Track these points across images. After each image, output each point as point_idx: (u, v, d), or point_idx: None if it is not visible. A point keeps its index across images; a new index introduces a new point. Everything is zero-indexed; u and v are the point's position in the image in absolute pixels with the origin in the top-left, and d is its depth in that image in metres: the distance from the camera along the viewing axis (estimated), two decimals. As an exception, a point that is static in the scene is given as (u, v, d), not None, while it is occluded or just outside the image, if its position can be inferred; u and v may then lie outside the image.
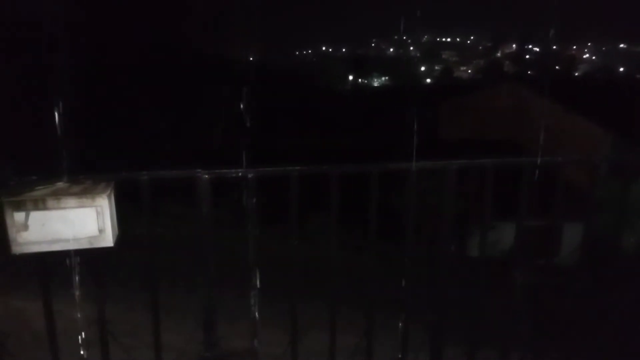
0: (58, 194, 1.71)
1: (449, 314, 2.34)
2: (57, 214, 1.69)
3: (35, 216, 1.68)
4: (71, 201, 1.70)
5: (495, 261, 2.74)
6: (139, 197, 1.94)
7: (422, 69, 68.87)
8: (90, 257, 1.91)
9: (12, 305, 3.90)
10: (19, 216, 1.66)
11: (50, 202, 1.68)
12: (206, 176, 1.95)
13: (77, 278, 1.99)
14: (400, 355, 2.31)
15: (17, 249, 1.68)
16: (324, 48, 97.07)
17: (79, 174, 1.83)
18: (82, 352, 2.09)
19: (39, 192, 1.73)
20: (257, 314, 2.19)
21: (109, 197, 1.75)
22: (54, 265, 1.96)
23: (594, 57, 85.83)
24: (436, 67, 71.01)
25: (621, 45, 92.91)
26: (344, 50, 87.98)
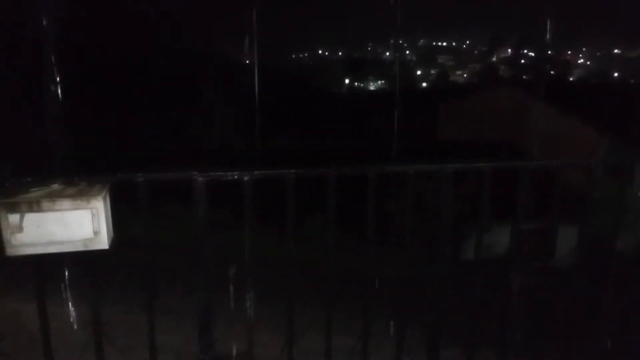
0: (53, 196, 1.70)
1: (446, 316, 2.34)
2: (52, 216, 1.68)
3: (30, 218, 1.67)
4: (66, 203, 1.69)
5: (493, 263, 2.75)
6: (135, 199, 1.94)
7: (418, 72, 69.23)
8: (85, 259, 1.90)
9: (8, 307, 3.88)
10: (14, 218, 1.65)
11: (45, 204, 1.67)
12: (201, 179, 1.95)
13: (72, 280, 1.98)
14: (396, 357, 2.31)
15: (11, 251, 1.67)
16: (320, 51, 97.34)
17: (74, 176, 1.82)
18: (77, 354, 2.07)
19: (34, 193, 1.72)
20: (253, 315, 2.18)
21: (104, 199, 1.74)
22: (49, 267, 1.95)
23: (588, 62, 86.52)
24: (432, 71, 71.41)
25: (615, 51, 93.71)
26: (340, 53, 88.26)
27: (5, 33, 10.52)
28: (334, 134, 22.96)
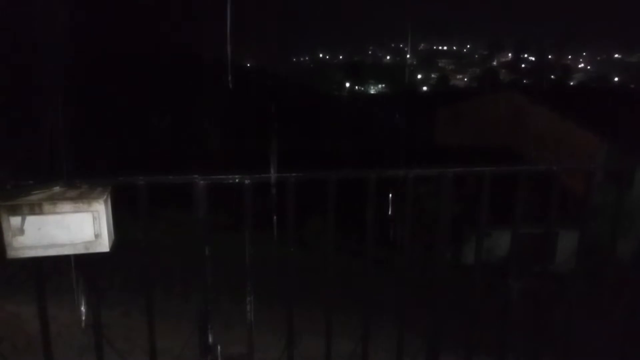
0: (54, 199, 1.71)
1: (446, 320, 2.34)
2: (54, 219, 1.69)
3: (32, 221, 1.67)
4: (67, 206, 1.69)
5: (492, 268, 2.75)
6: (136, 202, 1.94)
7: (419, 76, 69.36)
8: (86, 262, 1.91)
9: (7, 310, 3.88)
10: (15, 220, 1.66)
11: (47, 207, 1.68)
12: (202, 182, 1.96)
13: (72, 283, 1.98)
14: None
15: (12, 254, 1.68)
16: (321, 55, 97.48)
17: (75, 179, 1.83)
18: (76, 357, 2.08)
19: (36, 196, 1.72)
20: (252, 319, 2.18)
21: (105, 202, 1.75)
22: (49, 270, 1.96)
23: (589, 67, 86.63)
24: (432, 75, 71.55)
25: (616, 56, 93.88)
26: (341, 57, 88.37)
27: (6, 34, 10.54)
28: (334, 137, 22.97)
